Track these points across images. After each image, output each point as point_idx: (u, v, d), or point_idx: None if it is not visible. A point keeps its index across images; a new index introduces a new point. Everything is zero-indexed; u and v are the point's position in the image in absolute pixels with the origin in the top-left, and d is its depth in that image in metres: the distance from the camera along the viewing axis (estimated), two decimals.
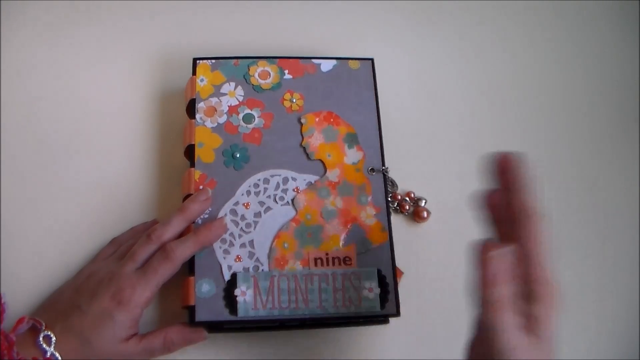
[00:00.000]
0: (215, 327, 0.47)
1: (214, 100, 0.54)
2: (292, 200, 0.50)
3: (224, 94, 0.54)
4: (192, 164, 0.51)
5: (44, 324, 0.42)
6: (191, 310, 0.46)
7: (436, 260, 0.55)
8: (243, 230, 0.49)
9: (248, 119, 0.53)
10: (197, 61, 0.55)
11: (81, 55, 0.61)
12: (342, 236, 0.50)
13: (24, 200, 0.54)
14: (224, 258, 0.48)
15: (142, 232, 0.50)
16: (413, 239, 0.55)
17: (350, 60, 0.57)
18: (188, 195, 0.49)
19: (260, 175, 0.51)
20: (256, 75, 0.55)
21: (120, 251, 0.49)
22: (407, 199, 0.56)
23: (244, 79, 0.55)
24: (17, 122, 0.57)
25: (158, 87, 0.60)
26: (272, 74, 0.55)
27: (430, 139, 0.61)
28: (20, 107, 0.58)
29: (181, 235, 0.47)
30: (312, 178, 0.51)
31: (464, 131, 0.62)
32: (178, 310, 0.48)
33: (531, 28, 0.69)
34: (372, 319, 0.48)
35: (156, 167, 0.56)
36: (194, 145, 0.51)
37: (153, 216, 0.54)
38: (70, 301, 0.44)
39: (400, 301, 0.48)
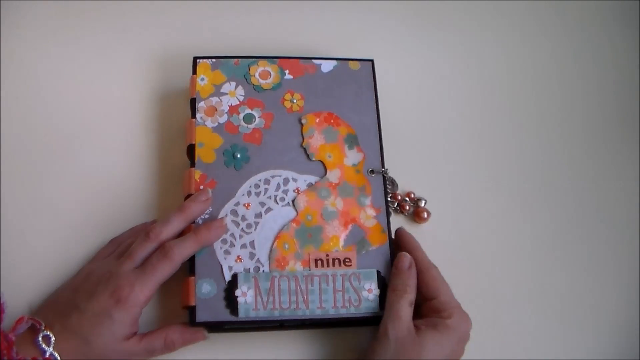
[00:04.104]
0: (215, 327, 0.47)
1: (214, 99, 0.54)
2: (293, 201, 0.50)
3: (225, 94, 0.54)
4: (193, 164, 0.51)
5: (43, 323, 0.42)
6: (192, 310, 0.46)
7: (436, 261, 0.55)
8: (244, 231, 0.49)
9: (248, 118, 0.53)
10: (198, 60, 0.55)
11: (81, 55, 0.61)
12: (342, 237, 0.50)
13: (24, 200, 0.53)
14: (225, 258, 0.48)
15: (141, 232, 0.50)
16: None
17: (350, 61, 0.57)
18: (189, 196, 0.49)
19: (261, 176, 0.51)
20: (257, 75, 0.55)
21: (119, 250, 0.49)
22: (407, 199, 0.56)
23: (245, 79, 0.55)
24: (17, 122, 0.57)
25: (158, 87, 0.60)
26: (272, 73, 0.55)
27: (431, 139, 0.61)
28: (20, 107, 0.58)
29: (180, 234, 0.47)
30: (313, 179, 0.51)
31: (464, 131, 0.62)
32: (178, 311, 0.48)
33: (531, 29, 0.69)
34: (371, 320, 0.48)
35: (156, 167, 0.56)
36: (194, 144, 0.51)
37: (153, 216, 0.54)
38: (69, 301, 0.44)
39: None
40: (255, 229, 0.49)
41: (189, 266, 0.47)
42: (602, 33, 0.70)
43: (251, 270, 0.47)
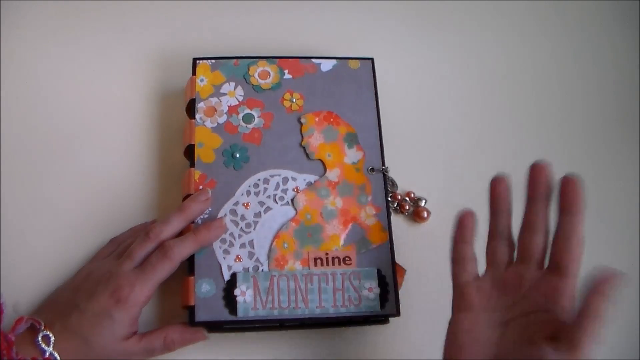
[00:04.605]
0: (215, 327, 0.47)
1: (213, 100, 0.54)
2: (292, 200, 0.50)
3: (224, 94, 0.54)
4: (192, 164, 0.51)
5: (43, 323, 0.42)
6: (191, 310, 0.46)
7: (436, 261, 0.54)
8: (243, 230, 0.49)
9: (248, 118, 0.53)
10: (197, 61, 0.55)
11: (81, 55, 0.61)
12: (342, 236, 0.50)
13: (24, 200, 0.53)
14: (224, 258, 0.48)
15: (141, 231, 0.50)
16: (413, 239, 0.55)
17: (350, 60, 0.57)
18: (188, 196, 0.49)
19: (260, 175, 0.51)
20: (256, 75, 0.55)
21: (119, 250, 0.49)
22: (407, 199, 0.56)
23: (244, 79, 0.55)
24: (17, 122, 0.57)
25: (158, 87, 0.60)
26: (272, 73, 0.55)
27: (431, 138, 0.61)
28: (20, 107, 0.58)
29: (180, 234, 0.47)
30: (312, 178, 0.51)
31: (464, 131, 0.62)
32: (178, 310, 0.48)
33: (531, 29, 0.69)
34: (372, 319, 0.48)
35: (156, 167, 0.56)
36: (193, 145, 0.51)
37: (153, 216, 0.54)
38: (69, 300, 0.44)
39: (400, 301, 0.47)
40: (254, 229, 0.49)
41: (189, 266, 0.47)
42: (602, 33, 0.70)
43: (250, 269, 0.47)
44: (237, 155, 0.51)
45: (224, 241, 0.48)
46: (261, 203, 0.50)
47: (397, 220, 0.56)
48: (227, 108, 0.53)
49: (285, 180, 0.51)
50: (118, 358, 0.43)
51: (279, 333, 0.49)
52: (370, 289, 0.48)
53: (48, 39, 0.61)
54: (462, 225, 0.43)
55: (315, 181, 0.51)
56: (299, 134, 0.53)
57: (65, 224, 0.53)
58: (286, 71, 0.55)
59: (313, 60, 0.56)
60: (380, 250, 0.49)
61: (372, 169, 0.52)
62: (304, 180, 0.51)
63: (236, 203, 0.50)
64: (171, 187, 0.55)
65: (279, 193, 0.50)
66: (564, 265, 0.39)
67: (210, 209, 0.49)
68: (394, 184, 0.56)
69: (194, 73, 0.55)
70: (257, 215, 0.50)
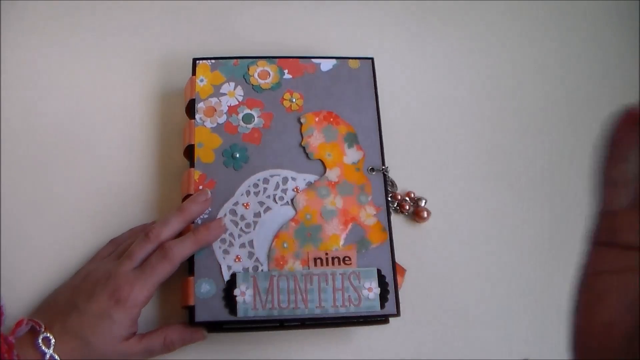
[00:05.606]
0: (215, 327, 0.47)
1: (213, 100, 0.54)
2: (292, 200, 0.50)
3: (224, 94, 0.54)
4: (192, 164, 0.51)
5: (43, 325, 0.42)
6: (191, 310, 0.46)
7: (436, 261, 0.55)
8: (242, 230, 0.49)
9: (248, 118, 0.53)
10: (197, 61, 0.55)
11: (81, 55, 0.61)
12: (342, 236, 0.49)
13: (24, 200, 0.53)
14: (224, 258, 0.48)
15: (141, 232, 0.50)
16: (413, 239, 0.55)
17: (350, 60, 0.57)
18: (188, 196, 0.49)
19: (260, 175, 0.51)
20: (256, 75, 0.55)
21: (118, 251, 0.49)
22: (407, 199, 0.56)
23: (244, 79, 0.55)
24: (17, 122, 0.57)
25: (158, 87, 0.60)
26: (271, 73, 0.55)
27: (430, 138, 0.61)
28: (20, 107, 0.58)
29: (179, 235, 0.47)
30: (312, 178, 0.51)
31: (464, 131, 0.62)
32: (178, 310, 0.48)
33: (531, 28, 0.69)
34: (372, 319, 0.48)
35: (156, 167, 0.56)
36: (193, 145, 0.51)
37: (153, 216, 0.54)
38: (68, 301, 0.44)
39: (400, 301, 0.47)
40: (254, 229, 0.49)
41: (188, 266, 0.47)
42: (602, 32, 0.70)
43: (250, 269, 0.47)
44: (237, 155, 0.51)
45: (223, 241, 0.48)
46: (261, 203, 0.50)
47: (397, 220, 0.56)
48: (227, 108, 0.53)
49: (285, 180, 0.51)
50: (118, 359, 0.43)
51: (279, 333, 0.49)
52: (370, 289, 0.48)
53: (48, 39, 0.61)
54: (622, 137, 0.31)
55: (315, 181, 0.51)
56: (298, 134, 0.53)
57: (65, 224, 0.53)
58: (286, 71, 0.55)
59: (313, 60, 0.56)
60: (380, 250, 0.49)
61: (372, 169, 0.52)
62: (304, 180, 0.51)
63: (236, 203, 0.50)
64: (171, 187, 0.55)
65: (278, 193, 0.50)
66: None
67: (210, 209, 0.49)
68: (393, 184, 0.56)
69: (193, 73, 0.55)
70: (257, 215, 0.50)
